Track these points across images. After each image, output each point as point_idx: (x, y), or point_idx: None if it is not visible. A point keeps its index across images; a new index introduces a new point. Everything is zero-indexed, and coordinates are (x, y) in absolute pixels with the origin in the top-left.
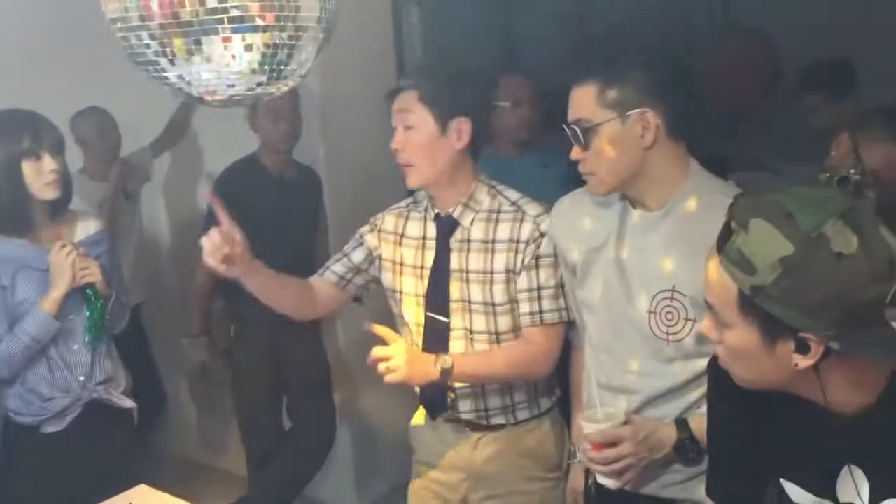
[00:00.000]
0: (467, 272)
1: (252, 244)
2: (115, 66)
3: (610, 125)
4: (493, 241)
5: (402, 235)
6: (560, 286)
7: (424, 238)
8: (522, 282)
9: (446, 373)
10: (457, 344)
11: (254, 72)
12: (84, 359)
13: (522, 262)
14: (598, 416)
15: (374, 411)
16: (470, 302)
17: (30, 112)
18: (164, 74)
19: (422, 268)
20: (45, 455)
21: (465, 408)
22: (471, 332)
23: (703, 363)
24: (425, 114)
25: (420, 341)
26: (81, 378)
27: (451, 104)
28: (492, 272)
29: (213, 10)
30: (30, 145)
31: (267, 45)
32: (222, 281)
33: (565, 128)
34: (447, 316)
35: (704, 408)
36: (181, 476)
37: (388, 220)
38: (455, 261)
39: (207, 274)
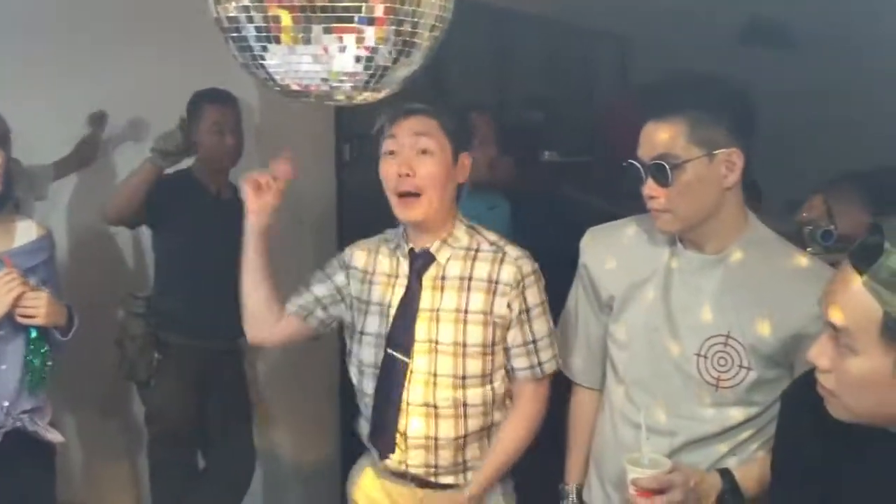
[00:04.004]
0: (438, 311)
1: (183, 264)
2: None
3: (698, 163)
4: (470, 279)
5: (373, 273)
6: (550, 334)
7: (396, 276)
8: (516, 337)
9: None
10: (416, 389)
11: (358, 72)
12: (11, 382)
13: (509, 307)
14: (643, 461)
15: (290, 451)
16: (437, 342)
17: None
18: (261, 61)
19: (389, 306)
20: None
21: (415, 461)
22: (435, 375)
23: (746, 411)
24: (445, 143)
25: (370, 385)
26: (6, 404)
27: (465, 138)
28: (466, 311)
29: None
30: None
31: (379, 44)
32: (149, 307)
33: (635, 163)
34: (409, 356)
35: (741, 456)
36: None
37: (359, 257)
38: (426, 299)
39: None
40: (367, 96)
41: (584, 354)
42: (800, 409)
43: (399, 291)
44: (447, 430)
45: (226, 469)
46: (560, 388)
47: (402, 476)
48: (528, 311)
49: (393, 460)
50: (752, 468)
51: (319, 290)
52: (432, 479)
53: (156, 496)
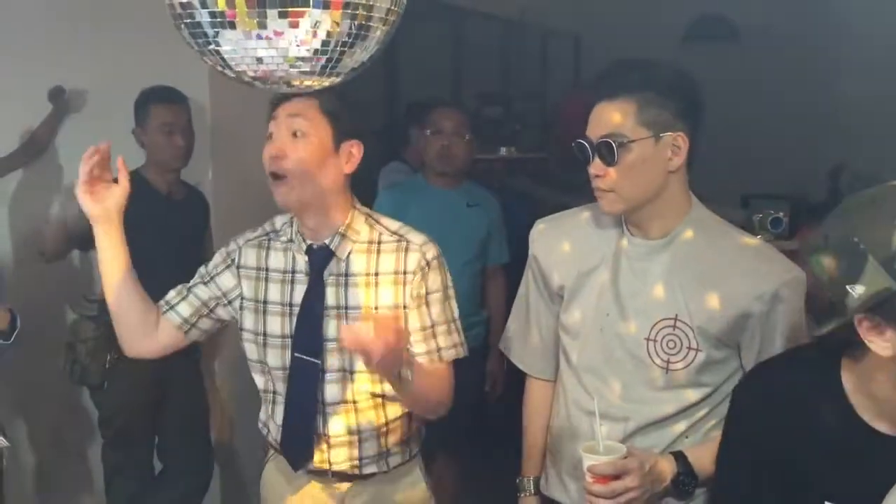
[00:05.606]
0: (346, 308)
1: (135, 265)
2: None
3: (644, 143)
4: (377, 274)
5: (266, 269)
6: (453, 321)
7: (293, 272)
8: (414, 321)
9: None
10: (334, 387)
11: (313, 57)
12: None
13: (411, 294)
14: (599, 448)
15: (248, 451)
16: None
17: None
18: (215, 47)
19: (290, 305)
20: None
21: (339, 458)
22: (351, 372)
23: (696, 393)
24: (325, 125)
25: (283, 387)
26: None
27: (352, 124)
28: (377, 308)
29: None
30: None
31: (334, 29)
32: (101, 310)
33: (583, 143)
34: (318, 357)
35: (693, 438)
36: None
37: (248, 254)
38: (331, 296)
39: None
40: (320, 82)
41: (537, 346)
42: (752, 403)
43: (299, 289)
44: (369, 422)
45: (183, 471)
46: (518, 383)
47: (322, 474)
48: (427, 294)
49: (314, 461)
50: (705, 449)
51: (202, 293)
52: (357, 471)
53: (111, 500)
